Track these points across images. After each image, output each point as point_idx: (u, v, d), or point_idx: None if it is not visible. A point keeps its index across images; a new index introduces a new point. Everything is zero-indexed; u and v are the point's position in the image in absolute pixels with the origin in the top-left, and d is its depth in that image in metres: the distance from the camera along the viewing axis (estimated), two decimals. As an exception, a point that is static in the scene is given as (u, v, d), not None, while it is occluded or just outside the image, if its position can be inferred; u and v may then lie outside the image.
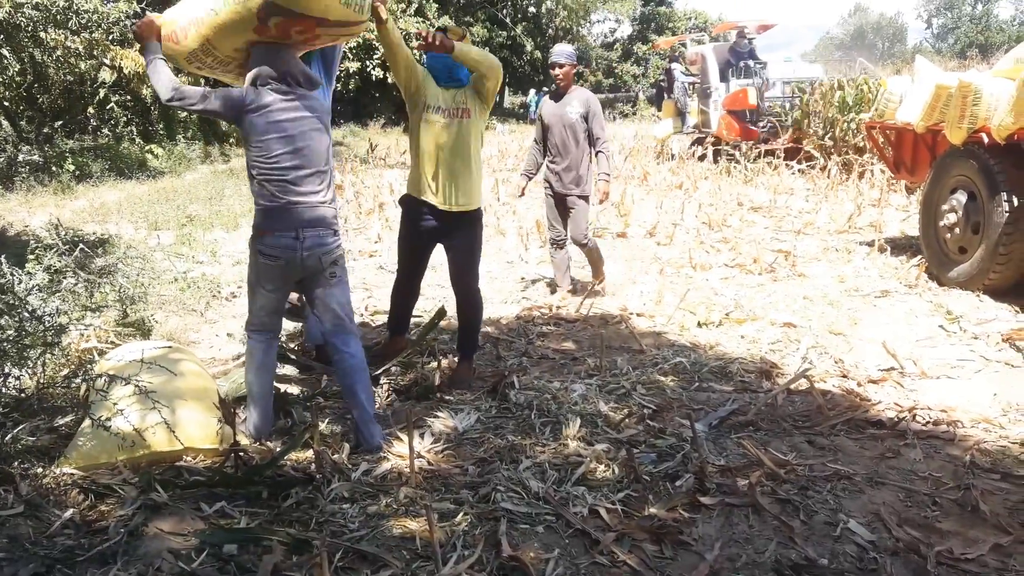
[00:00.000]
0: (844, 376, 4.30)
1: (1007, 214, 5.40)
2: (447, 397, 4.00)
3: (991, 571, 2.55)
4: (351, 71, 22.65)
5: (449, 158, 4.06)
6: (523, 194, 6.11)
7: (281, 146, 3.27)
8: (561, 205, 5.93)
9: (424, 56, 4.14)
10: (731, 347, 4.85)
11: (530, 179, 6.08)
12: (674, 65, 17.03)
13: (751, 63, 14.83)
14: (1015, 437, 3.53)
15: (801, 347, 4.75)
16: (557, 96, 5.82)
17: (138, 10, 15.07)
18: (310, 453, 3.25)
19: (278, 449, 3.34)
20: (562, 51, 5.76)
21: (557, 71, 5.73)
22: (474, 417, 3.73)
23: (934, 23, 66.47)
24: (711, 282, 6.42)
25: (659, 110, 18.24)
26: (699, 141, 15.50)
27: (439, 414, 3.75)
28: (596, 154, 5.83)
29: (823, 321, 5.24)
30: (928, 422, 3.69)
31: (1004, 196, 5.42)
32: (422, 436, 3.50)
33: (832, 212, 9.04)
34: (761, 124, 13.91)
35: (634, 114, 32.33)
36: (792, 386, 4.03)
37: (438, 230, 4.18)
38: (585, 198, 5.85)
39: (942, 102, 6.01)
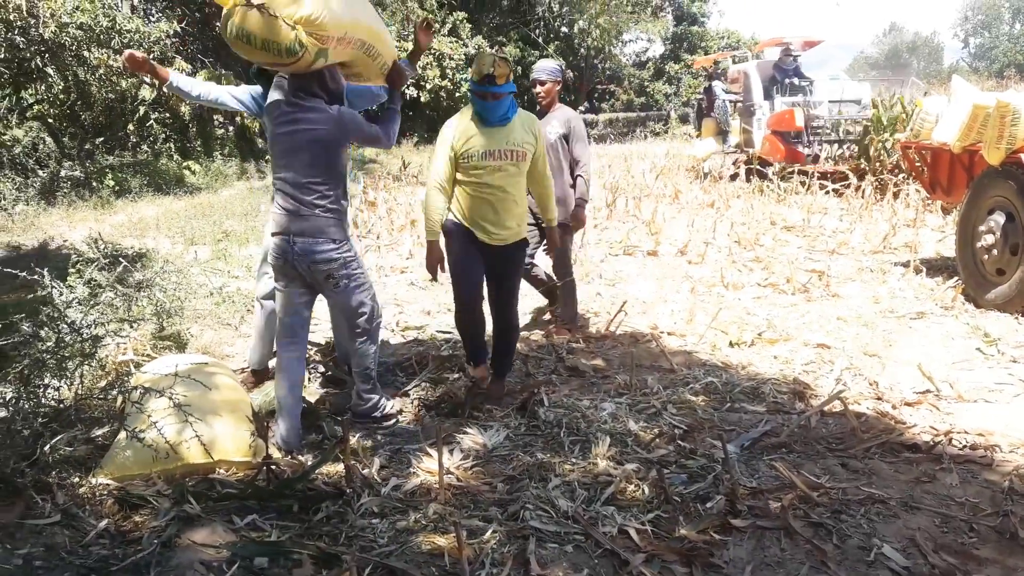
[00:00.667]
0: (879, 398, 4.23)
1: (1047, 235, 5.30)
2: (476, 413, 4.01)
3: (1031, 601, 2.49)
4: (385, 90, 22.92)
5: (497, 200, 4.00)
6: None
7: (276, 156, 3.60)
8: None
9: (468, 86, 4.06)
10: (763, 367, 4.81)
11: None
12: (715, 83, 16.46)
13: (796, 81, 14.31)
14: (1056, 463, 3.44)
15: (835, 368, 4.69)
16: (539, 115, 5.22)
17: (178, 29, 15.43)
18: (341, 467, 3.28)
19: (309, 463, 3.37)
20: (544, 67, 5.38)
21: (539, 88, 5.32)
22: (503, 434, 3.74)
23: (971, 42, 65.71)
24: (743, 302, 6.37)
25: (696, 128, 17.53)
26: (739, 161, 15.08)
27: (468, 430, 3.77)
28: (575, 177, 5.36)
29: (857, 342, 5.17)
30: (965, 446, 3.62)
31: (1044, 217, 5.33)
32: (451, 452, 3.51)
33: (867, 232, 8.93)
34: (810, 146, 13.27)
35: (666, 132, 32.31)
36: (826, 408, 3.98)
37: (485, 256, 4.14)
38: (565, 226, 5.30)
39: (979, 122, 5.93)
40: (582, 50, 33.89)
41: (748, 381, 4.52)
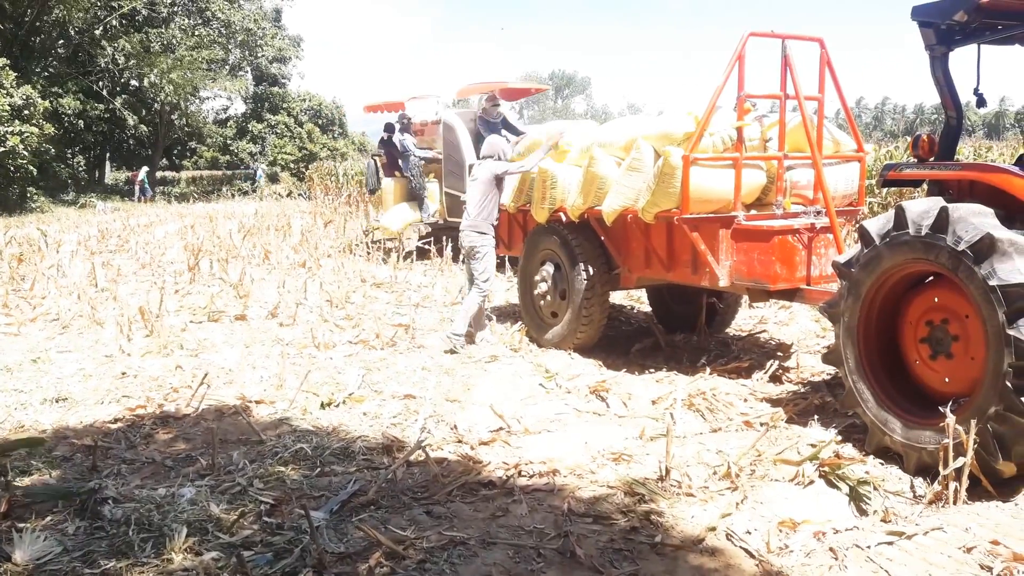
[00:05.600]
0: (459, 441, 4.49)
1: (585, 281, 6.19)
2: (20, 525, 3.37)
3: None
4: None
5: None
6: None
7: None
8: None
9: None
10: (354, 426, 4.82)
11: None
12: (405, 136, 12.85)
13: (508, 135, 11.53)
14: (603, 480, 3.95)
15: (420, 418, 4.88)
16: None
17: None
18: None
19: None
20: None
21: None
22: (56, 544, 3.19)
23: (526, 115, 76.04)
24: (335, 360, 6.37)
25: (370, 191, 14.29)
26: (443, 230, 12.12)
27: (9, 542, 3.14)
28: None
29: (440, 390, 5.46)
30: (532, 476, 3.99)
31: (582, 266, 6.22)
32: (-17, 580, 2.89)
33: (447, 285, 9.61)
34: None
35: (254, 191, 31.68)
36: (411, 458, 4.10)
37: None
38: None
39: (528, 186, 6.77)
40: (155, 105, 31.88)
41: (339, 442, 4.49)
